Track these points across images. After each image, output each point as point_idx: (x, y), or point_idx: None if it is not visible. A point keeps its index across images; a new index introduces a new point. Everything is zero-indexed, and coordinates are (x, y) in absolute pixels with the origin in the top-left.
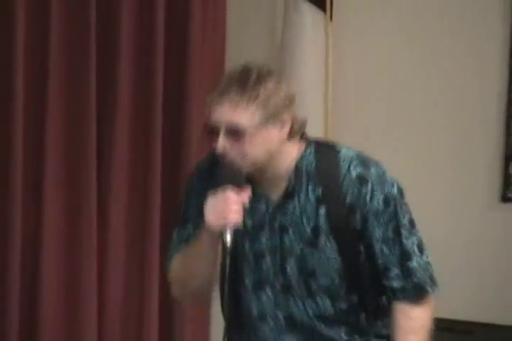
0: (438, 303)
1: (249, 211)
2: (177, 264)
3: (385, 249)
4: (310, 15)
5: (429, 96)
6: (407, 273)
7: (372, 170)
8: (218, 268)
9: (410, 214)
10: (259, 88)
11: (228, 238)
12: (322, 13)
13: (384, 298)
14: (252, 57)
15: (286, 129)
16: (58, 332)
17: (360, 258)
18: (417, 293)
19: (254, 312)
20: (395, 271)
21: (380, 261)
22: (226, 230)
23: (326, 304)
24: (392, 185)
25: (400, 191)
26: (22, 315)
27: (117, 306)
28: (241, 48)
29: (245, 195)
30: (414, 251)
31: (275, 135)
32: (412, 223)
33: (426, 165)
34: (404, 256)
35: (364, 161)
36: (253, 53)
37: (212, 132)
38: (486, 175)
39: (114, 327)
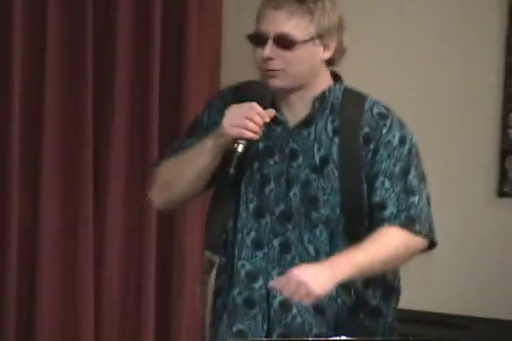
0: (436, 298)
1: (264, 133)
2: (166, 166)
3: (387, 184)
4: None
5: (425, 92)
6: (403, 207)
7: (394, 114)
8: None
9: (423, 168)
10: (317, 3)
11: (239, 148)
12: None
13: None
14: (249, 56)
15: (330, 51)
16: (56, 325)
17: (362, 192)
18: (405, 223)
19: (252, 237)
20: (390, 209)
21: (378, 196)
22: (240, 140)
23: (323, 237)
24: (412, 137)
25: (416, 145)
26: (19, 309)
27: (114, 300)
28: (237, 46)
29: (268, 115)
30: (420, 192)
31: (320, 54)
32: (424, 177)
33: (423, 160)
34: (408, 191)
35: (387, 108)
36: (250, 51)
37: (259, 38)
38: (482, 169)
39: (112, 322)
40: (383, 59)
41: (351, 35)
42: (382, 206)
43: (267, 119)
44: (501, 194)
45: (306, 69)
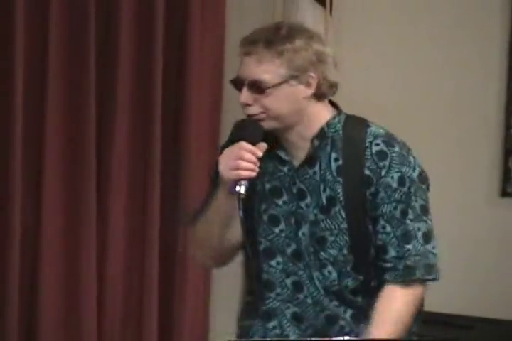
0: (438, 298)
1: (269, 173)
2: (197, 225)
3: (388, 228)
4: (310, 10)
5: (429, 91)
6: (402, 254)
7: (396, 149)
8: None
9: (426, 201)
10: (286, 43)
11: (241, 190)
12: (322, 8)
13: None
14: None
15: (312, 88)
16: (58, 325)
17: (369, 233)
18: (405, 275)
19: (264, 279)
20: (391, 253)
21: (379, 240)
22: (238, 182)
23: (332, 277)
24: (414, 168)
25: (421, 176)
26: (21, 309)
27: (117, 300)
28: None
29: (259, 150)
30: (416, 236)
31: (300, 92)
32: (424, 210)
33: (426, 160)
34: (405, 238)
35: (390, 140)
36: None
37: (236, 84)
38: (485, 169)
39: (114, 322)
40: (385, 56)
41: (351, 31)
42: (384, 249)
43: (259, 154)
44: (504, 194)
45: (288, 110)
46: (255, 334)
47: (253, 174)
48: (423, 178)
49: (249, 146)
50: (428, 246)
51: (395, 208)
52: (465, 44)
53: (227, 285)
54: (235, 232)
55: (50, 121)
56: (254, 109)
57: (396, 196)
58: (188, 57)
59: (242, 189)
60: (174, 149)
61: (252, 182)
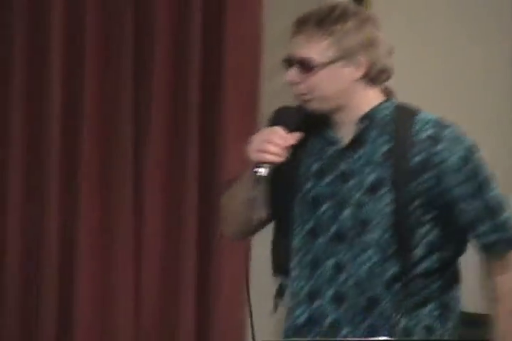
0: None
1: (316, 154)
2: (222, 200)
3: (470, 207)
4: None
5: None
6: (498, 226)
7: (447, 131)
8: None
9: (488, 171)
10: (336, 24)
11: (262, 173)
12: (359, 6)
13: (433, 282)
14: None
15: (361, 71)
16: (93, 321)
17: (414, 217)
18: (508, 246)
19: (308, 258)
20: (482, 228)
21: (467, 222)
22: (262, 165)
23: (374, 259)
24: (470, 146)
25: (478, 151)
26: (58, 307)
27: (153, 299)
28: (277, 45)
29: (292, 139)
30: (501, 205)
31: (347, 75)
32: (492, 179)
33: None
34: (492, 210)
35: (439, 123)
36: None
37: (286, 62)
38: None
39: (150, 319)
40: (422, 61)
41: (388, 28)
42: (473, 226)
43: (291, 142)
44: None
45: (334, 91)
46: (299, 316)
47: (278, 160)
48: (478, 152)
49: (282, 132)
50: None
51: (468, 187)
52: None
53: (266, 282)
54: (253, 214)
55: (87, 119)
56: (301, 88)
57: (464, 176)
58: (223, 56)
59: (263, 172)
60: (210, 149)
61: (296, 163)
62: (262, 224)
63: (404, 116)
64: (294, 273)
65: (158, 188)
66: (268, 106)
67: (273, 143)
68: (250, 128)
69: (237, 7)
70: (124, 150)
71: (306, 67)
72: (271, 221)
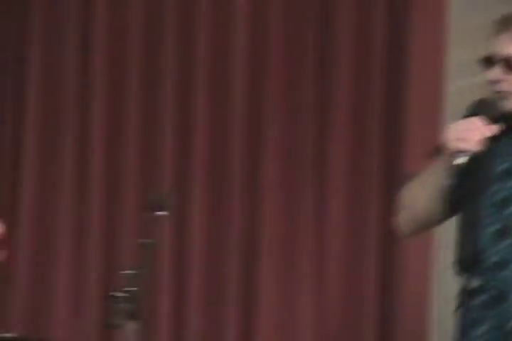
0: None
1: (504, 155)
2: (406, 190)
3: None
4: None
5: None
6: None
7: None
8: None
9: None
10: None
11: (459, 161)
12: None
13: None
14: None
15: None
16: (276, 329)
17: None
18: None
19: (495, 259)
20: None
21: None
22: (459, 153)
23: None
24: None
25: None
26: (239, 311)
27: (336, 304)
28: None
29: (489, 131)
30: None
31: None
32: None
33: None
34: None
35: None
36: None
37: (487, 61)
38: None
39: (333, 325)
40: None
41: None
42: None
43: (488, 134)
44: None
45: None
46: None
47: (475, 149)
48: None
49: (480, 123)
50: None
51: None
52: None
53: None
54: (438, 205)
55: (268, 128)
56: (504, 86)
57: None
58: (406, 54)
59: (460, 160)
60: (392, 155)
61: (485, 161)
62: (439, 220)
63: None
64: (485, 275)
65: (338, 193)
66: (452, 106)
67: (473, 132)
68: (434, 129)
69: (422, 6)
70: (304, 155)
71: (510, 65)
72: (447, 218)
